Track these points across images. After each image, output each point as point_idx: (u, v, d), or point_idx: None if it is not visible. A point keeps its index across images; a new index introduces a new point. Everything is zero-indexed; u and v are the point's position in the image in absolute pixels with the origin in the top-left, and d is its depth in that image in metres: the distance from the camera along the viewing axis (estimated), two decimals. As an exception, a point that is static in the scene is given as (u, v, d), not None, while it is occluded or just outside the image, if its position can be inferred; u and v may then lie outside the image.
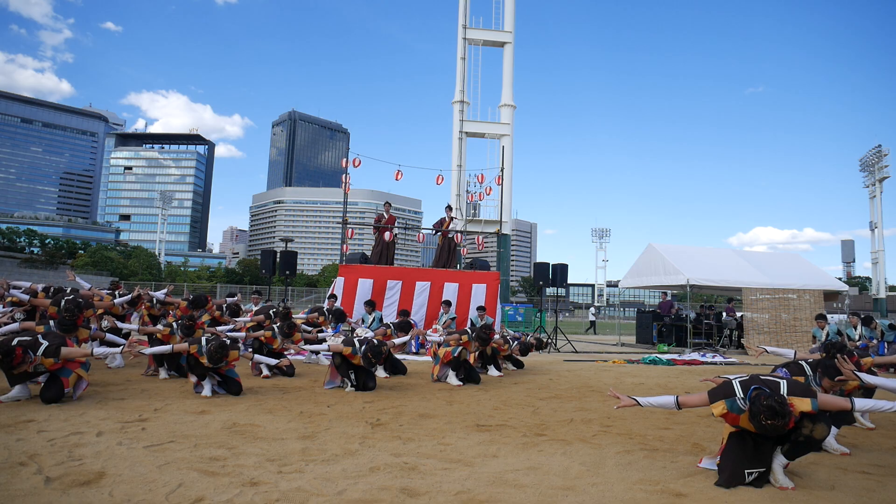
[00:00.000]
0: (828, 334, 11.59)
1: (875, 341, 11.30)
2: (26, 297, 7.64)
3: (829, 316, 12.65)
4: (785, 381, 3.26)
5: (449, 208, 14.49)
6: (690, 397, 3.43)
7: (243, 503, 2.75)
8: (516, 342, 9.06)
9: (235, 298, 10.94)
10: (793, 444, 3.20)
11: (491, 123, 27.42)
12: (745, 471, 3.22)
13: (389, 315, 11.96)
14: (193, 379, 5.97)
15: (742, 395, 3.18)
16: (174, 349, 6.09)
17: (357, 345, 6.37)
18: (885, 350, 11.19)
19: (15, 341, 4.76)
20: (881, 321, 12.07)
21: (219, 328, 8.07)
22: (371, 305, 11.56)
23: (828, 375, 4.28)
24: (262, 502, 2.76)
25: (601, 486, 3.17)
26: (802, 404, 3.11)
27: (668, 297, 18.69)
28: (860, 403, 3.35)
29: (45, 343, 4.93)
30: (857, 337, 11.50)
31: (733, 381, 3.29)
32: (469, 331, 7.57)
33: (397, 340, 8.81)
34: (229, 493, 2.86)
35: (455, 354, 7.24)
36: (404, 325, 9.31)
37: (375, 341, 6.47)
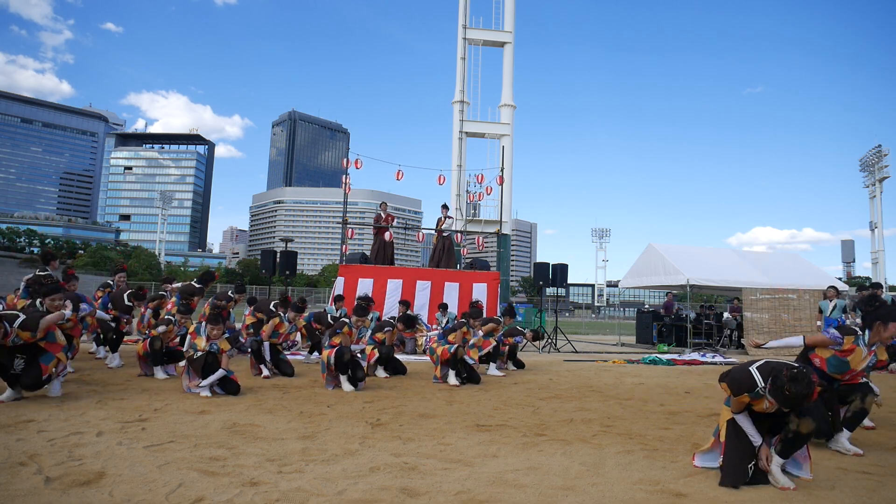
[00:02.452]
0: (835, 307, 11.51)
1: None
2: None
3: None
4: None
5: (445, 207, 14.36)
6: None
7: (243, 503, 2.75)
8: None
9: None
10: (783, 443, 3.25)
11: (491, 123, 27.38)
12: (748, 465, 3.24)
13: (389, 313, 11.90)
14: (186, 381, 5.95)
15: (762, 384, 3.17)
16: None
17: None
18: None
19: None
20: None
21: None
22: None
23: (892, 319, 3.91)
24: (262, 502, 2.76)
25: (601, 486, 3.17)
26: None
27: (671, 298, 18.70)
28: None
29: (22, 316, 4.89)
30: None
31: (751, 370, 3.26)
32: (465, 321, 7.73)
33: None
34: (229, 493, 2.85)
35: (452, 352, 7.25)
36: (408, 320, 8.51)
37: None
